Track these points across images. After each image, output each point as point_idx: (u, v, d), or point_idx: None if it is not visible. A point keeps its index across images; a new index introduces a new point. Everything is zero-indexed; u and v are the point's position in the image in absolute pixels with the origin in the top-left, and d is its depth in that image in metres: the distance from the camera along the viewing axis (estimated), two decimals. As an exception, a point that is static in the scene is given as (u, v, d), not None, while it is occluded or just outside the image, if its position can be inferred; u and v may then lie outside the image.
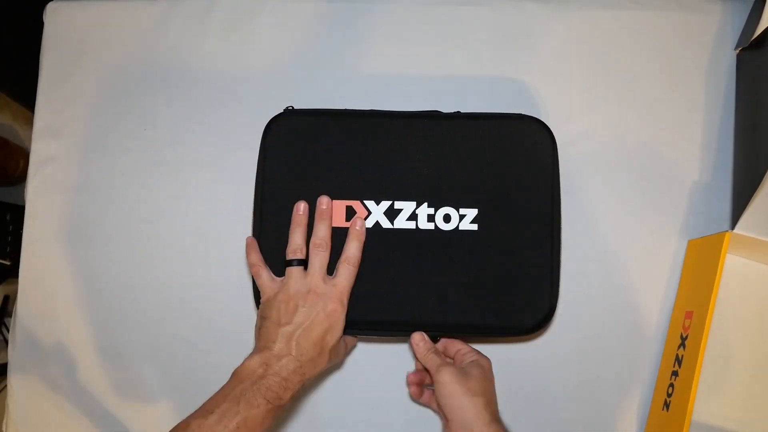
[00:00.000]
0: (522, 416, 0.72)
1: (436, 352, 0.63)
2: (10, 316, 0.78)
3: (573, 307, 0.73)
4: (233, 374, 0.57)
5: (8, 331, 0.79)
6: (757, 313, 0.71)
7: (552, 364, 0.72)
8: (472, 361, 0.63)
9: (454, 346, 0.66)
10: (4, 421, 0.76)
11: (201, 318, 0.74)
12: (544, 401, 0.72)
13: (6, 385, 0.76)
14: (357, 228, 0.63)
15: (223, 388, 0.56)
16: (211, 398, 0.56)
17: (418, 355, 0.63)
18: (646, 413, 0.72)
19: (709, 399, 0.70)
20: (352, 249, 0.62)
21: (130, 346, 0.75)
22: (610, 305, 0.73)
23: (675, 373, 0.67)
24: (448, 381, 0.59)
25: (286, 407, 0.57)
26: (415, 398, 0.69)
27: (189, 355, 0.74)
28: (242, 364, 0.57)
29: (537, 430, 0.72)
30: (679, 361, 0.66)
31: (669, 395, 0.67)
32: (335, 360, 0.63)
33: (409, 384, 0.69)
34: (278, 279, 0.62)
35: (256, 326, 0.61)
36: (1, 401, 0.92)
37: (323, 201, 0.64)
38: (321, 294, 0.60)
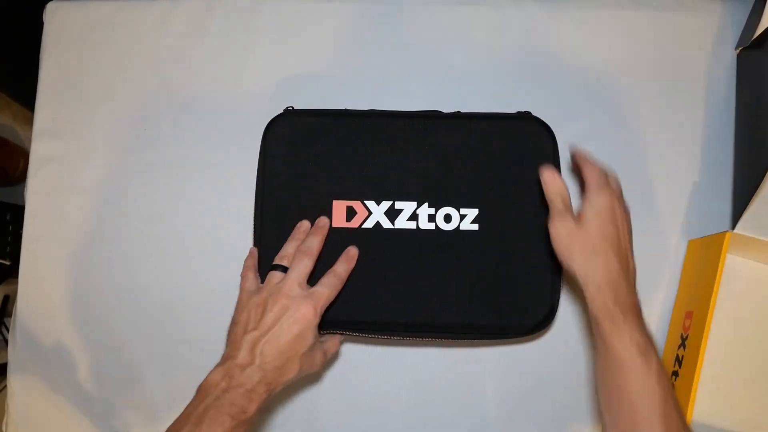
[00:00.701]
0: (522, 416, 0.72)
1: (561, 196, 0.55)
2: (10, 316, 0.78)
3: (573, 307, 0.72)
4: (198, 389, 0.54)
5: (8, 331, 0.79)
6: (757, 313, 0.71)
7: (552, 364, 0.72)
8: (587, 200, 0.55)
9: (586, 169, 0.57)
10: (4, 421, 0.76)
11: (201, 318, 0.74)
12: (545, 401, 0.72)
13: (6, 385, 0.76)
14: (350, 255, 0.63)
15: (188, 406, 0.53)
16: (176, 420, 0.53)
17: (546, 192, 0.56)
18: (646, 413, 0.71)
19: (709, 399, 0.70)
20: (341, 268, 0.61)
21: (129, 345, 0.75)
22: (610, 305, 0.73)
23: (675, 373, 0.67)
24: (555, 235, 0.54)
25: (252, 420, 0.53)
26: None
27: (189, 355, 0.74)
28: (206, 378, 0.54)
29: (537, 430, 0.72)
30: (679, 361, 0.66)
31: (669, 395, 0.67)
32: (309, 370, 0.58)
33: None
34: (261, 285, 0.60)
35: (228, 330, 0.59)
36: (1, 401, 0.92)
37: (323, 220, 0.64)
38: (293, 297, 0.56)
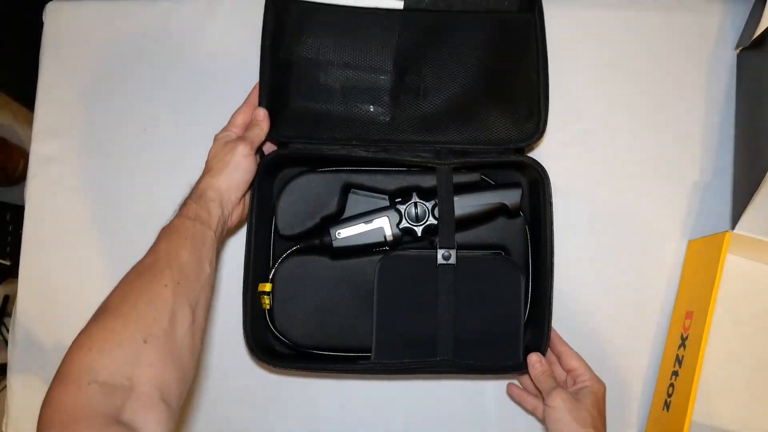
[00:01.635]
0: (522, 416, 0.72)
1: (552, 375, 0.63)
2: (10, 316, 0.78)
3: (573, 307, 0.72)
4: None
5: (8, 331, 0.79)
6: (757, 313, 0.71)
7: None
8: (585, 387, 0.62)
9: (570, 361, 0.65)
10: (4, 421, 0.76)
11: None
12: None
13: (6, 385, 0.76)
14: (260, 117, 0.66)
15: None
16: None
17: (533, 375, 0.63)
18: (646, 413, 0.72)
19: (709, 399, 0.70)
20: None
21: (130, 346, 0.75)
22: (609, 305, 0.73)
23: (675, 373, 0.67)
24: (559, 407, 0.60)
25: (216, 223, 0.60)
26: (513, 397, 0.70)
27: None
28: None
29: (538, 430, 0.72)
30: (679, 361, 0.66)
31: (669, 395, 0.67)
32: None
33: (509, 392, 0.70)
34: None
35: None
36: (1, 401, 0.92)
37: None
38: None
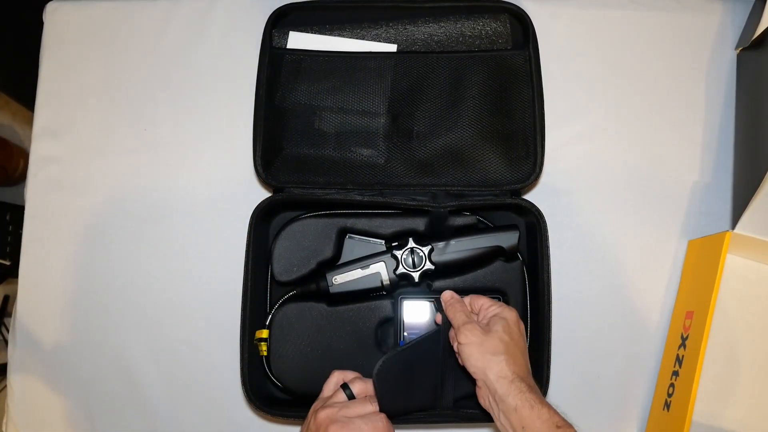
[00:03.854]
0: None
1: (464, 309, 0.61)
2: (10, 316, 0.78)
3: (573, 308, 0.73)
4: None
5: (8, 331, 0.79)
6: (757, 313, 0.71)
7: (552, 364, 0.72)
8: (494, 315, 0.60)
9: (478, 301, 0.62)
10: (4, 421, 0.76)
11: (201, 318, 0.74)
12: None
13: (6, 385, 0.76)
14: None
15: None
16: None
17: (444, 306, 0.62)
18: (646, 413, 0.72)
19: (709, 399, 0.70)
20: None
21: (129, 345, 0.75)
22: (610, 305, 0.73)
23: (675, 373, 0.67)
24: (468, 342, 0.57)
25: None
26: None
27: (189, 355, 0.74)
28: None
29: None
30: (679, 361, 0.66)
31: (669, 395, 0.67)
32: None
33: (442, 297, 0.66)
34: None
35: None
36: (1, 401, 0.92)
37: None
38: None
